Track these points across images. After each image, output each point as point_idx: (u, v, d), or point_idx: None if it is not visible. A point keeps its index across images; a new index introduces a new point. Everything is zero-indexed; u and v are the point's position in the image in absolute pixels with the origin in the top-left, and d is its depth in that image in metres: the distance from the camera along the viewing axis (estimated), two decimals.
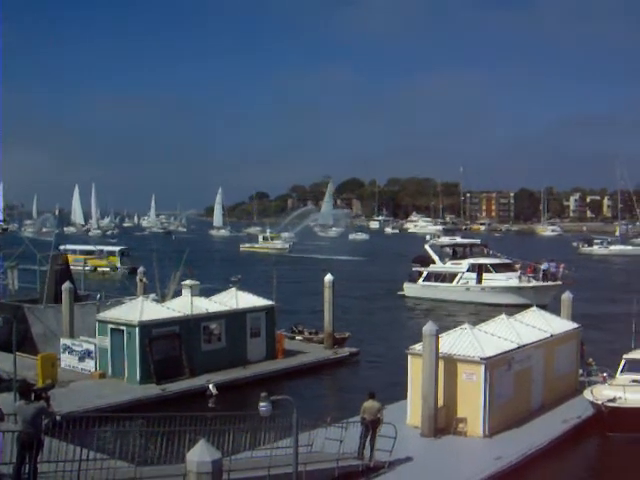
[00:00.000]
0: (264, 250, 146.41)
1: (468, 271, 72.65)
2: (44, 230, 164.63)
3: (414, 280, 77.03)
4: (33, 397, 18.85)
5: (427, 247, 79.50)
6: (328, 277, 46.56)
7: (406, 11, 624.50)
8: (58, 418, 19.24)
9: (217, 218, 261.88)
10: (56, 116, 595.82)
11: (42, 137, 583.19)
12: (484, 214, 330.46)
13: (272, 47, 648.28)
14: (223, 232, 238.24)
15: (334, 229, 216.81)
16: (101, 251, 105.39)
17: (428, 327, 27.96)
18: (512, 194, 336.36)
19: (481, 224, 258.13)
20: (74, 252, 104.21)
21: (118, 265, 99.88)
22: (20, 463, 17.29)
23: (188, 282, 42.43)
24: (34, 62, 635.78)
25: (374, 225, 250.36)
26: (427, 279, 75.68)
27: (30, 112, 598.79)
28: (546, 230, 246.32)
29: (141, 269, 53.49)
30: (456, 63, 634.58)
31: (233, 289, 43.56)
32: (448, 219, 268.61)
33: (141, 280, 50.49)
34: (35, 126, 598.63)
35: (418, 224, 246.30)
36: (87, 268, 79.85)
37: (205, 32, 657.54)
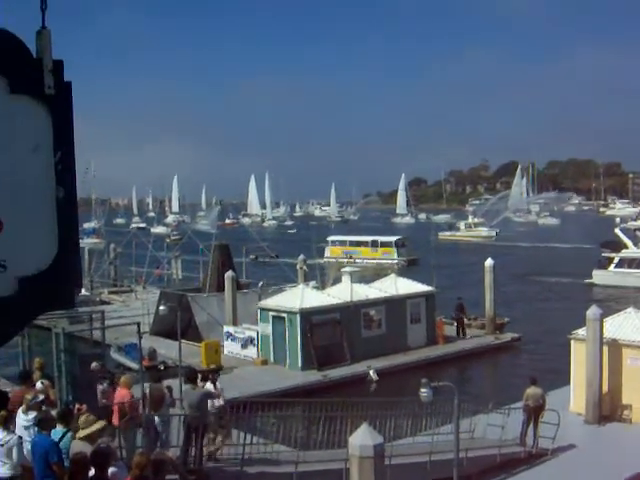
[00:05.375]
0: (467, 239, 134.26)
1: None
2: (225, 222, 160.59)
3: (603, 267, 71.70)
4: (200, 378, 19.44)
5: (617, 231, 74.81)
6: (488, 262, 46.04)
7: None
8: (222, 402, 19.68)
9: (400, 205, 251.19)
10: (218, 108, 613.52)
11: (205, 130, 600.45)
12: None
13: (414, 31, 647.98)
14: (408, 219, 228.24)
15: (534, 214, 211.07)
16: (375, 242, 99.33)
17: (592, 311, 27.25)
18: None
19: None
20: (343, 243, 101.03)
21: (395, 257, 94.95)
22: (187, 446, 17.85)
23: (348, 269, 42.71)
24: (193, 56, 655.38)
25: (534, 208, 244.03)
26: (619, 265, 70.67)
27: (194, 107, 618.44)
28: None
29: (301, 257, 53.90)
30: (609, 39, 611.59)
31: (392, 275, 43.55)
32: (610, 201, 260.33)
33: (301, 268, 51.07)
34: (199, 120, 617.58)
35: (615, 207, 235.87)
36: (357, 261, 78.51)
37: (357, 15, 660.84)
